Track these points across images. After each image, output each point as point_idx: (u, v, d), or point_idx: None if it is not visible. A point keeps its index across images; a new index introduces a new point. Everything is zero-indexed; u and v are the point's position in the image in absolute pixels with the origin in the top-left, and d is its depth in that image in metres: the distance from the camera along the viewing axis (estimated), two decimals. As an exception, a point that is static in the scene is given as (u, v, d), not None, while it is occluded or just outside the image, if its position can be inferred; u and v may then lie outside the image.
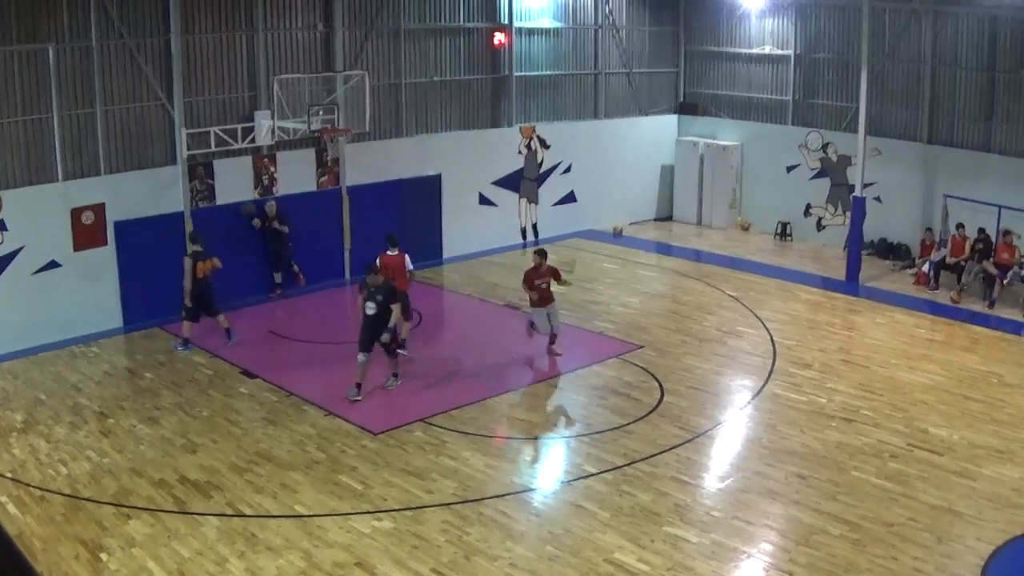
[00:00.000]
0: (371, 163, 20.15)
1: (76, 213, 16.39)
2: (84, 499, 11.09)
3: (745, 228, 24.82)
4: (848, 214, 21.26)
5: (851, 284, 19.92)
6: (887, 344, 16.38)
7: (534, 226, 23.65)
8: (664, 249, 23.19)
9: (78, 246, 16.44)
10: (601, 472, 11.76)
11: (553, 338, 15.63)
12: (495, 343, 16.63)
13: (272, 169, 18.88)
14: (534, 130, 23.19)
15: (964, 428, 12.99)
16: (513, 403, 14.00)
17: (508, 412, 13.74)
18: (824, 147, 23.12)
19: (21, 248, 15.83)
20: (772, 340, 16.51)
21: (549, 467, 12.35)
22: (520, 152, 23.05)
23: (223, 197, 18.23)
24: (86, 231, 16.51)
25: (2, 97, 15.55)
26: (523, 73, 22.85)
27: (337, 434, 12.84)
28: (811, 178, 23.46)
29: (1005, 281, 18.31)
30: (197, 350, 16.02)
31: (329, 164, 19.63)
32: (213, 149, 17.57)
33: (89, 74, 16.38)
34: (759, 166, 24.43)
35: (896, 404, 13.80)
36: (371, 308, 13.65)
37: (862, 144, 19.90)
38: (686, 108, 26.02)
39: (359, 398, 13.75)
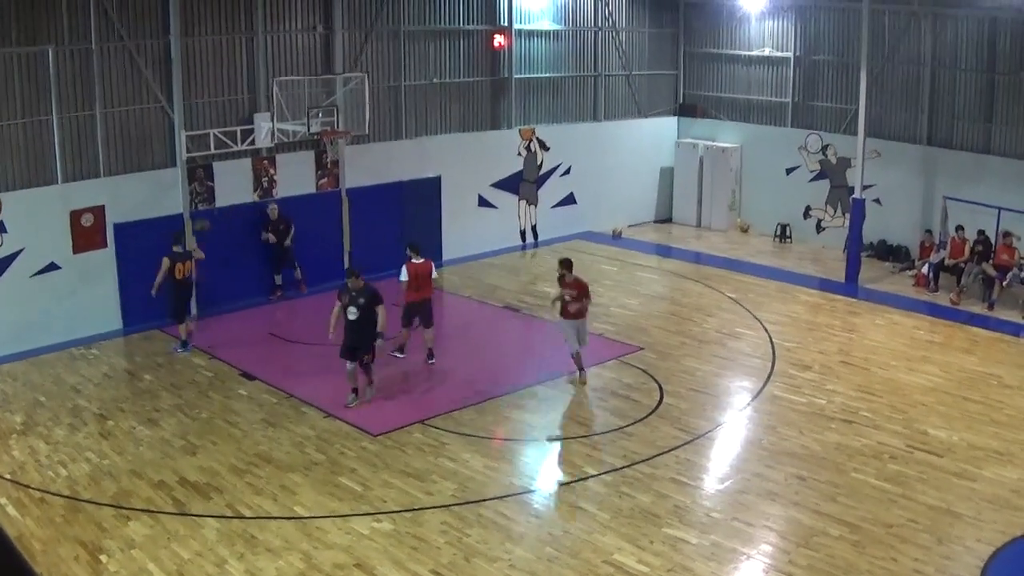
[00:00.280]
0: (371, 165, 20.15)
1: (76, 215, 16.40)
2: (84, 501, 11.08)
3: (745, 230, 24.82)
4: (847, 216, 21.26)
5: (851, 286, 19.92)
6: (887, 346, 16.38)
7: (533, 228, 23.66)
8: (664, 251, 23.20)
9: (78, 248, 16.44)
10: (601, 474, 11.76)
11: (580, 356, 14.50)
12: (494, 345, 16.64)
13: (272, 171, 18.89)
14: (534, 132, 23.20)
15: (964, 429, 12.99)
16: (512, 404, 13.99)
17: (507, 414, 13.74)
18: (824, 149, 23.13)
19: (21, 250, 15.83)
20: (772, 342, 16.51)
21: (548, 469, 12.35)
22: (520, 154, 23.06)
23: (223, 199, 18.23)
24: (86, 233, 16.51)
25: (2, 99, 15.56)
26: (523, 75, 22.87)
27: (336, 436, 12.84)
28: (811, 180, 23.47)
29: (1004, 283, 18.32)
30: (197, 351, 16.02)
31: (329, 166, 19.63)
32: (213, 151, 17.56)
33: (89, 76, 16.39)
34: (759, 168, 24.44)
35: (896, 406, 13.80)
36: (353, 313, 13.22)
37: (861, 146, 19.91)
38: (686, 110, 26.04)
39: (358, 402, 13.68)
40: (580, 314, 14.31)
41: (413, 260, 15.09)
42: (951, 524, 10.53)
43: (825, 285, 20.14)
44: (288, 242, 18.64)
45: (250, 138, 17.86)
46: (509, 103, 22.62)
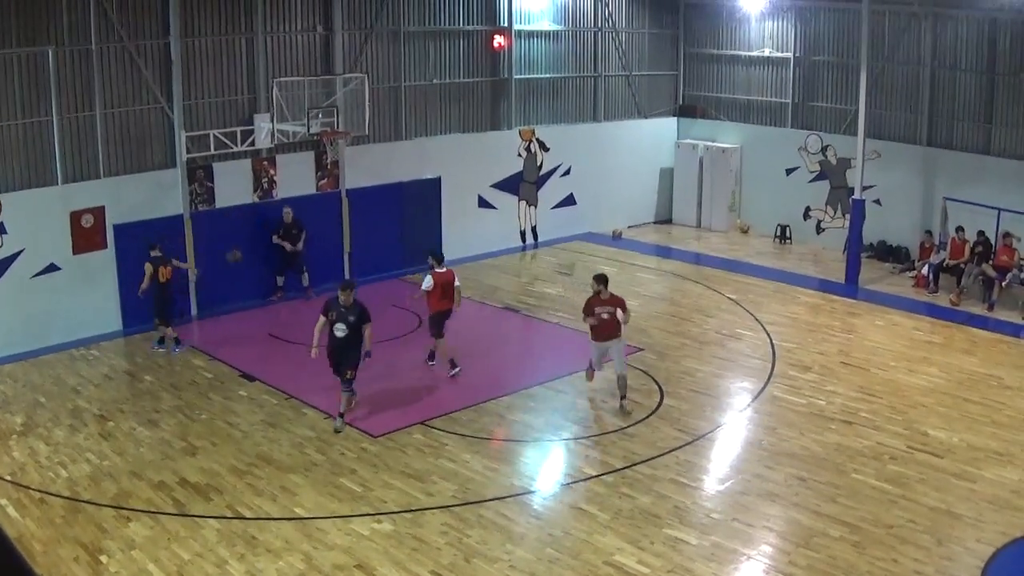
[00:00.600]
0: (371, 166, 20.16)
1: (75, 216, 16.40)
2: (84, 502, 11.08)
3: (744, 231, 24.83)
4: (847, 217, 21.26)
5: (850, 287, 19.92)
6: (886, 347, 16.39)
7: (533, 229, 23.66)
8: (663, 252, 23.21)
9: (77, 249, 16.44)
10: (601, 474, 11.76)
11: (623, 385, 13.54)
12: (495, 346, 16.64)
13: (272, 172, 18.89)
14: (534, 133, 23.20)
15: (964, 430, 12.99)
16: (512, 406, 13.99)
17: (507, 415, 13.74)
18: (823, 150, 23.13)
19: (21, 251, 15.84)
20: (772, 343, 16.52)
21: (549, 469, 12.35)
22: (520, 155, 23.07)
23: (223, 200, 18.24)
24: (86, 234, 16.52)
25: (2, 100, 15.57)
26: (523, 76, 22.87)
27: (336, 436, 12.83)
28: (810, 181, 23.48)
29: (1004, 283, 18.32)
30: (196, 352, 16.03)
31: (329, 167, 19.64)
32: (213, 152, 17.58)
33: (89, 77, 16.40)
34: (758, 169, 24.44)
35: (896, 406, 13.81)
36: (341, 330, 12.63)
37: (861, 147, 19.91)
38: (685, 111, 26.05)
39: (342, 422, 13.09)
40: (616, 333, 13.39)
41: (437, 270, 14.71)
42: (951, 525, 10.53)
43: (825, 286, 20.14)
44: (300, 246, 18.56)
45: (250, 139, 17.88)
46: (509, 104, 22.63)
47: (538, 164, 23.41)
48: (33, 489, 11.38)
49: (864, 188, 20.20)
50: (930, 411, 13.67)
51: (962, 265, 19.14)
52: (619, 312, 13.29)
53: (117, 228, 16.84)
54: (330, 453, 12.36)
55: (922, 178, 21.24)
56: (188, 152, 17.37)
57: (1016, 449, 12.40)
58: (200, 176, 17.91)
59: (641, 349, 16.09)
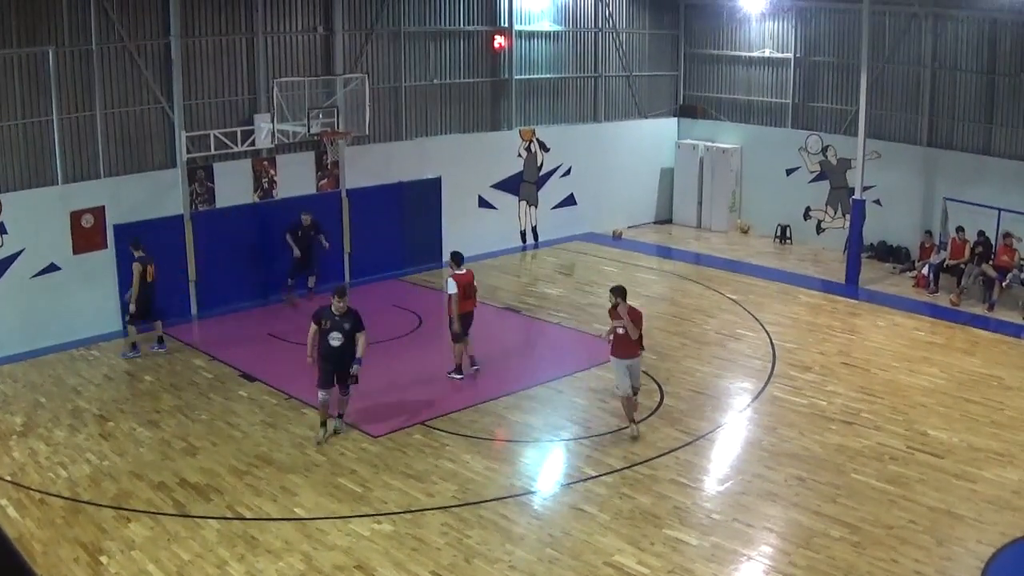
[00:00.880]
0: (371, 166, 20.16)
1: (76, 216, 16.40)
2: (84, 502, 11.08)
3: (745, 231, 24.83)
4: (848, 217, 21.26)
5: (851, 287, 19.92)
6: (887, 347, 16.38)
7: (534, 229, 23.66)
8: (664, 252, 23.21)
9: (78, 249, 16.44)
10: (601, 475, 11.76)
11: (634, 402, 12.86)
12: (495, 346, 16.61)
13: (272, 172, 18.89)
14: (534, 133, 23.20)
15: (964, 431, 12.99)
16: (513, 406, 13.98)
17: (508, 415, 13.74)
18: (824, 150, 23.13)
19: (21, 251, 15.83)
20: (772, 343, 16.51)
21: (549, 470, 12.34)
22: (520, 155, 23.06)
23: (223, 200, 18.24)
24: (86, 234, 16.51)
25: (2, 100, 15.57)
26: (523, 76, 22.87)
27: (337, 437, 12.82)
28: (811, 181, 23.48)
29: (1005, 284, 18.32)
30: (196, 352, 16.03)
31: (329, 167, 19.64)
32: (213, 152, 17.58)
33: (89, 77, 16.40)
34: (759, 169, 24.44)
35: (896, 407, 13.80)
36: (337, 339, 12.21)
37: (862, 147, 19.91)
38: (686, 111, 26.06)
39: (328, 435, 12.71)
40: (634, 351, 12.62)
41: (458, 271, 14.59)
42: (951, 525, 10.53)
43: (825, 286, 20.14)
44: (321, 246, 18.55)
45: (250, 139, 17.88)
46: (509, 104, 22.62)
47: (538, 164, 23.41)
48: (33, 489, 11.38)
49: (864, 188, 20.20)
50: (930, 411, 13.66)
51: (962, 265, 19.14)
52: (628, 325, 12.38)
53: (117, 228, 16.83)
54: (330, 453, 12.35)
55: (922, 178, 21.23)
56: (188, 152, 17.38)
57: (1016, 449, 12.40)
58: (200, 176, 17.91)
59: (641, 349, 16.04)
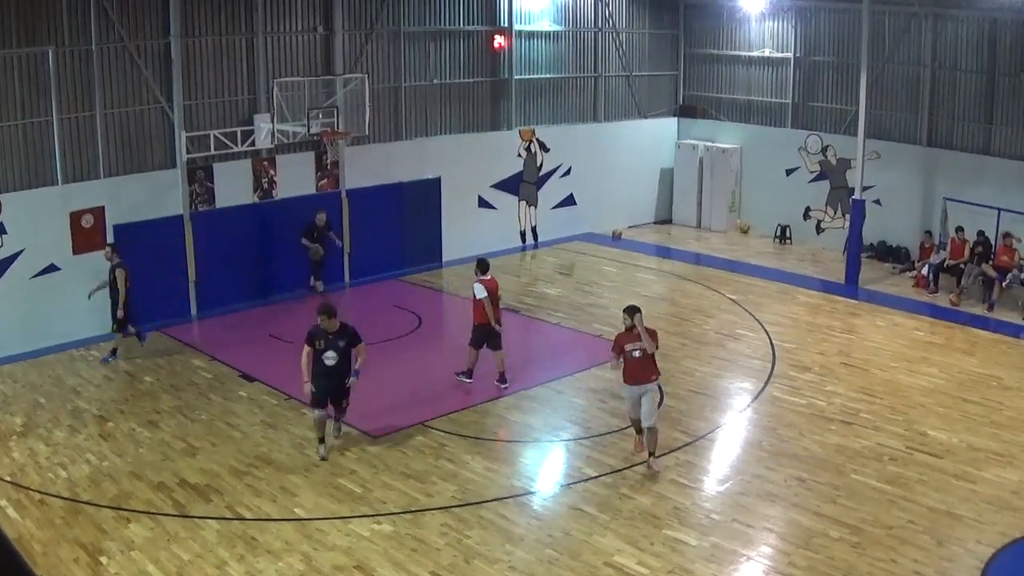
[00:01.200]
0: (371, 166, 20.17)
1: (75, 216, 16.40)
2: (84, 502, 11.08)
3: (744, 231, 24.83)
4: (847, 217, 21.26)
5: (850, 287, 19.92)
6: (886, 347, 16.39)
7: (533, 229, 23.66)
8: (663, 252, 23.22)
9: (77, 249, 16.44)
10: (600, 475, 11.76)
11: (651, 440, 11.71)
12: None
13: (272, 172, 18.89)
14: (534, 133, 23.20)
15: (963, 431, 12.99)
16: (512, 406, 13.99)
17: (507, 415, 13.74)
18: (823, 150, 23.13)
19: (21, 251, 15.84)
20: (771, 343, 16.51)
21: (548, 470, 12.34)
22: (520, 155, 23.07)
23: (223, 200, 18.24)
24: (85, 234, 16.51)
25: (2, 100, 15.57)
26: (523, 76, 22.87)
27: (335, 438, 12.82)
28: (810, 181, 23.48)
29: (1004, 284, 18.33)
30: (196, 353, 16.05)
31: (329, 167, 19.64)
32: (213, 152, 17.58)
33: (89, 77, 16.40)
34: (758, 169, 24.45)
35: (896, 407, 13.81)
36: (332, 359, 11.79)
37: (861, 147, 19.91)
38: (686, 111, 26.06)
39: (328, 448, 12.34)
40: (650, 377, 11.68)
41: (483, 278, 14.26)
42: (951, 526, 10.53)
43: (825, 286, 20.14)
44: (334, 244, 18.66)
45: (250, 139, 17.89)
46: (509, 104, 22.62)
47: (538, 164, 23.42)
48: (33, 490, 11.38)
49: (864, 188, 20.20)
50: (930, 412, 13.67)
51: (962, 265, 19.15)
52: (647, 342, 11.50)
53: (117, 228, 16.84)
54: (330, 454, 12.34)
55: (922, 178, 21.24)
56: (188, 152, 17.38)
57: (1016, 450, 12.40)
58: (200, 176, 17.91)
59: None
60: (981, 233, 19.17)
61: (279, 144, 18.03)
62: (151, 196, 17.29)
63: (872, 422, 13.27)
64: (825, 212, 23.35)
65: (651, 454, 11.78)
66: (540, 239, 23.68)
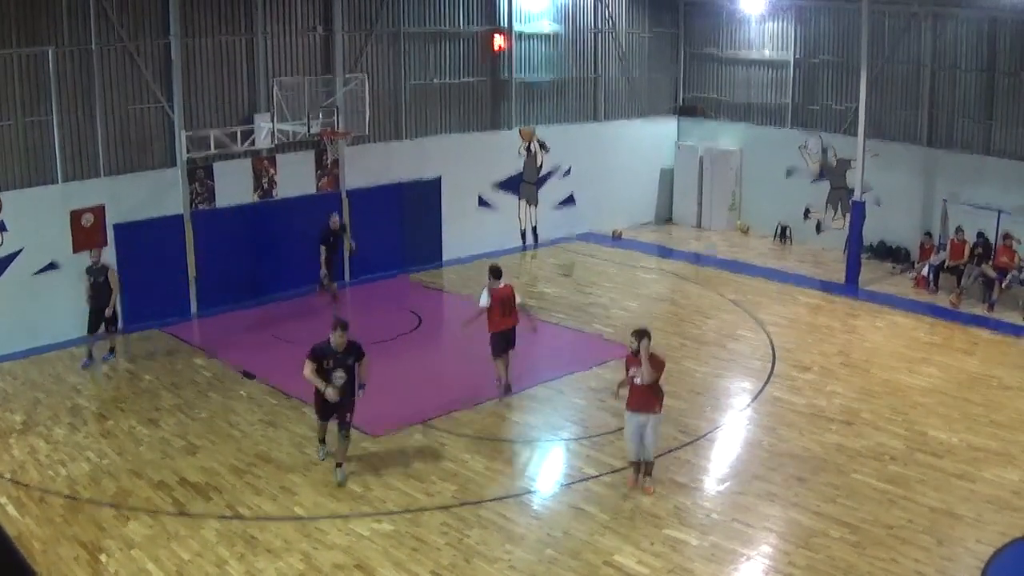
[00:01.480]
0: (371, 166, 20.16)
1: (76, 215, 16.40)
2: (83, 500, 11.08)
3: (744, 231, 24.83)
4: (847, 217, 21.26)
5: (850, 287, 19.92)
6: (886, 347, 16.39)
7: (534, 229, 23.66)
8: (663, 252, 23.20)
9: (78, 247, 16.43)
10: (601, 475, 11.76)
11: (647, 466, 11.28)
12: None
13: (272, 171, 18.89)
14: (534, 133, 23.20)
15: (963, 431, 12.99)
16: (512, 406, 13.98)
17: (508, 415, 13.74)
18: (823, 150, 23.13)
19: (21, 250, 15.84)
20: (771, 343, 16.51)
21: (548, 470, 12.34)
22: (520, 155, 23.06)
23: (223, 199, 18.24)
24: (86, 233, 16.51)
25: (2, 99, 15.56)
26: (523, 76, 22.86)
27: (337, 436, 12.79)
28: (811, 181, 23.47)
29: (1004, 284, 18.33)
30: (196, 351, 16.05)
31: (329, 167, 19.64)
32: (213, 152, 17.58)
33: (89, 77, 16.39)
34: (758, 169, 24.44)
35: (895, 407, 13.81)
36: (340, 378, 11.16)
37: (861, 147, 19.91)
38: (686, 111, 26.05)
39: (329, 453, 12.07)
40: (652, 407, 11.04)
41: (494, 284, 13.81)
42: (951, 525, 10.53)
43: (825, 286, 20.14)
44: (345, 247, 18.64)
45: (250, 138, 17.88)
46: (509, 104, 22.61)
47: (538, 164, 23.41)
48: (33, 487, 11.38)
49: (864, 189, 20.20)
50: (930, 411, 13.67)
51: (962, 266, 19.15)
52: (645, 369, 10.76)
53: (117, 227, 16.84)
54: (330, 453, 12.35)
55: (922, 178, 21.23)
56: (188, 151, 17.37)
57: (1016, 449, 12.41)
58: (200, 175, 17.91)
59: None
60: (981, 233, 19.18)
61: (279, 143, 18.02)
62: (151, 195, 17.29)
63: (872, 422, 13.27)
64: (825, 212, 23.29)
65: (647, 474, 11.32)
66: (540, 239, 23.67)
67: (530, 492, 11.50)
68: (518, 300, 13.98)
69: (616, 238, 24.07)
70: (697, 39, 25.72)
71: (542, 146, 23.35)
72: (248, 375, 14.93)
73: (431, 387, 14.66)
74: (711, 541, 10.22)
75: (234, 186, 18.34)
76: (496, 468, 12.03)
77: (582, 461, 12.23)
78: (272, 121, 17.43)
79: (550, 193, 23.74)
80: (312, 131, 17.62)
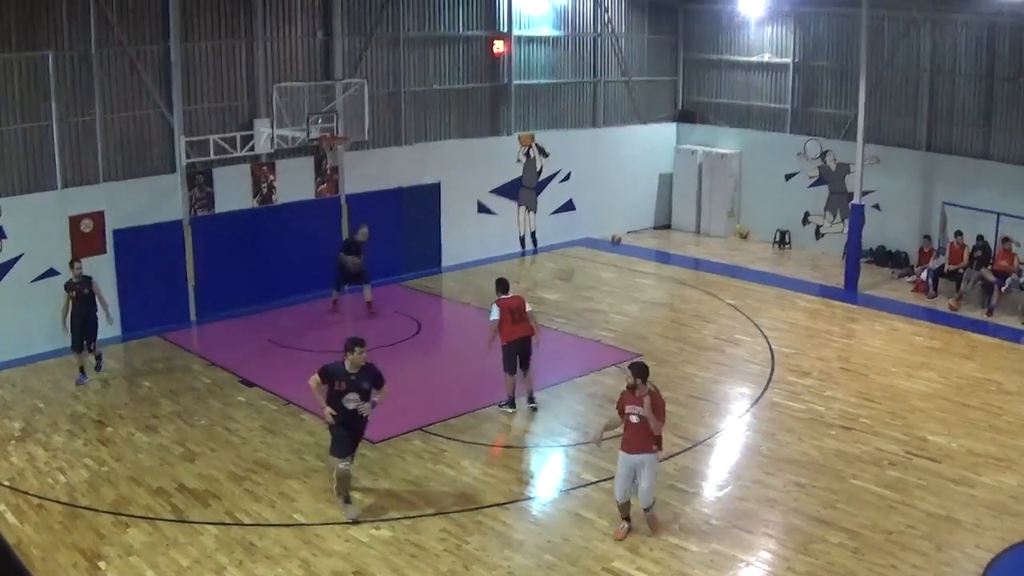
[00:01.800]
0: (370, 171, 20.16)
1: (75, 221, 16.40)
2: (82, 507, 11.07)
3: (744, 236, 24.83)
4: (847, 222, 21.26)
5: (850, 292, 19.92)
6: (885, 352, 16.39)
7: (533, 234, 23.66)
8: (663, 257, 23.21)
9: (77, 253, 16.41)
10: (599, 481, 11.75)
11: (651, 521, 10.52)
12: (494, 352, 16.59)
13: (271, 177, 18.89)
14: (533, 138, 23.21)
15: (963, 436, 12.99)
16: (511, 412, 13.96)
17: (506, 421, 13.73)
18: (823, 155, 23.14)
19: (20, 256, 15.84)
20: (771, 348, 16.51)
21: (547, 476, 12.34)
22: (519, 160, 23.07)
23: (222, 205, 18.24)
24: (85, 239, 16.50)
25: (1, 104, 15.57)
26: (522, 81, 22.88)
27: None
28: (810, 186, 23.48)
29: (1003, 288, 18.33)
30: (195, 358, 16.05)
31: (328, 172, 19.65)
32: (212, 157, 17.59)
33: (88, 82, 16.40)
34: (758, 174, 24.45)
35: (895, 412, 13.80)
36: (354, 401, 10.56)
37: (860, 152, 19.92)
38: (685, 116, 26.06)
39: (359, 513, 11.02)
40: (647, 446, 10.30)
41: (503, 296, 13.71)
42: (950, 531, 10.53)
43: (824, 291, 20.14)
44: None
45: (250, 144, 17.90)
46: (508, 109, 22.63)
47: (537, 169, 23.42)
48: (31, 495, 11.37)
49: (863, 193, 20.20)
50: (929, 416, 13.66)
51: (961, 270, 19.16)
52: (648, 412, 10.08)
53: (117, 233, 16.84)
54: (328, 459, 12.32)
55: (921, 183, 21.24)
56: (188, 157, 17.39)
57: (1015, 454, 12.40)
58: (200, 181, 17.91)
59: (640, 355, 16.04)
60: (980, 238, 19.19)
61: (279, 149, 18.02)
62: (151, 201, 17.29)
63: (871, 427, 13.27)
64: (824, 217, 23.31)
65: (646, 510, 10.50)
66: (539, 244, 23.67)
67: (529, 498, 11.49)
68: (528, 309, 13.79)
69: (615, 243, 24.08)
70: (696, 44, 25.73)
71: (541, 151, 23.36)
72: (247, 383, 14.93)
73: (430, 393, 14.65)
74: (710, 547, 10.21)
75: (233, 192, 18.35)
76: (495, 474, 12.02)
77: (581, 467, 12.22)
78: (272, 126, 17.45)
79: (549, 198, 23.72)
80: (312, 136, 17.63)
